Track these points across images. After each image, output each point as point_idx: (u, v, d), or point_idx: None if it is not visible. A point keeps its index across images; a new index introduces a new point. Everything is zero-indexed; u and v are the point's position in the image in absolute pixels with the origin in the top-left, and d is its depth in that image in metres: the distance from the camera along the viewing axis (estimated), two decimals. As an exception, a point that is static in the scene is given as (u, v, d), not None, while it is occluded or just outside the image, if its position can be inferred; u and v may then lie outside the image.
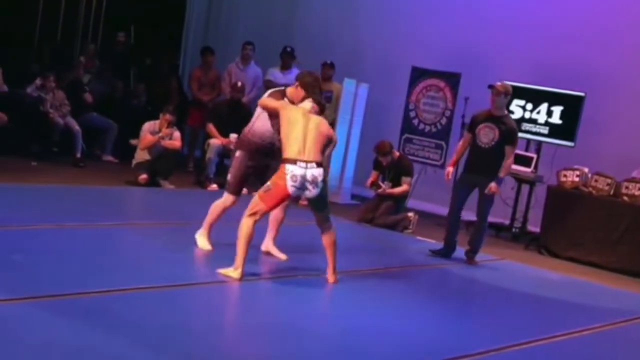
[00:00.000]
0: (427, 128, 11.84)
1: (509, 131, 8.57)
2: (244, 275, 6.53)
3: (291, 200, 7.02)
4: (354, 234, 9.37)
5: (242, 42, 13.02)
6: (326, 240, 6.82)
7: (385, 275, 7.67)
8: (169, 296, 5.96)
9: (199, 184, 11.48)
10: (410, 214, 10.29)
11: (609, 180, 9.81)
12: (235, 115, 11.55)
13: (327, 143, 6.82)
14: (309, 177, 6.51)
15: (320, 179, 6.57)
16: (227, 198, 7.47)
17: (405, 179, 10.36)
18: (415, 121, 11.92)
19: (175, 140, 10.99)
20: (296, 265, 7.33)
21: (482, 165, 8.56)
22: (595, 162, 10.18)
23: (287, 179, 6.50)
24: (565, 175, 10.09)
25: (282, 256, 7.52)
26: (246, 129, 7.44)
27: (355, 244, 8.77)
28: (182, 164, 12.22)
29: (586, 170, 10.01)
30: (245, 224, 6.62)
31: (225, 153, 11.52)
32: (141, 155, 10.90)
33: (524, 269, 9.05)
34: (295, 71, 12.61)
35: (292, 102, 7.04)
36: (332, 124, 12.04)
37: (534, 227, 10.66)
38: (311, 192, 6.57)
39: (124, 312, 5.39)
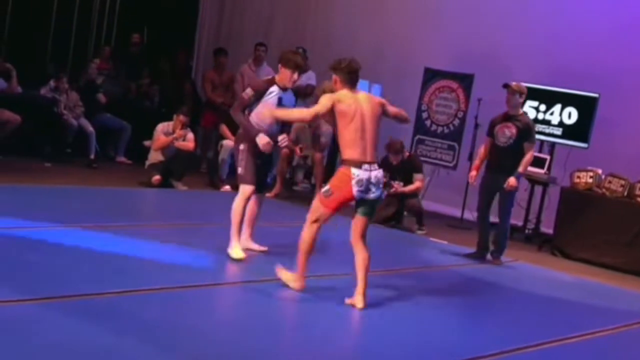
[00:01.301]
0: (440, 129, 11.83)
1: (525, 128, 8.69)
2: (304, 287, 6.37)
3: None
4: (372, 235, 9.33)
5: (255, 43, 13.04)
6: (361, 258, 6.31)
7: (398, 276, 7.66)
8: (182, 297, 5.97)
9: (212, 185, 11.50)
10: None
11: (622, 182, 9.78)
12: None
13: (382, 113, 6.41)
14: (373, 179, 6.23)
15: (382, 180, 6.36)
16: (244, 189, 7.36)
17: (417, 176, 10.36)
18: (428, 122, 11.91)
19: (188, 141, 11.01)
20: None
21: (501, 165, 8.68)
22: (609, 163, 10.15)
23: (353, 184, 6.17)
24: (578, 177, 10.06)
25: (263, 248, 7.55)
26: (252, 115, 7.37)
27: (372, 245, 8.75)
28: (195, 165, 12.23)
29: (600, 171, 9.99)
30: (309, 232, 6.32)
31: (238, 154, 11.53)
32: (154, 157, 10.92)
33: (537, 271, 9.04)
34: (308, 72, 12.64)
35: (284, 86, 7.16)
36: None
37: (547, 229, 10.64)
38: (374, 193, 6.27)
39: (137, 312, 5.41)
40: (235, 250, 7.25)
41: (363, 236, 6.36)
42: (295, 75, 7.27)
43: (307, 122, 6.46)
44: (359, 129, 6.27)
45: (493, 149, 8.83)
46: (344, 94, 6.37)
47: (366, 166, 6.23)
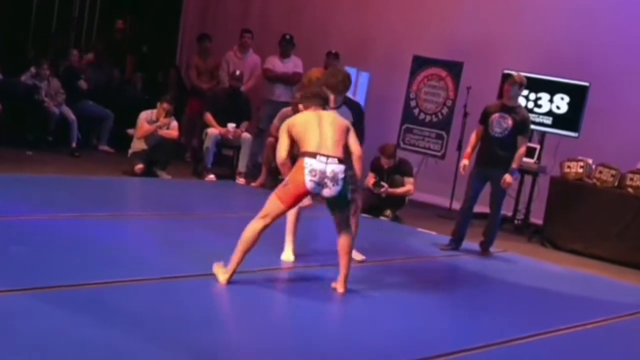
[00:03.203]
0: (428, 118, 11.81)
1: (522, 121, 8.67)
2: (230, 283, 6.15)
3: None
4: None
5: (240, 29, 12.98)
6: (342, 244, 6.31)
7: (386, 267, 7.65)
8: (168, 288, 5.95)
9: (196, 174, 11.48)
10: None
11: (613, 172, 9.78)
12: (234, 104, 11.58)
13: (346, 139, 6.34)
14: (328, 172, 6.10)
15: (341, 175, 6.14)
16: None
17: (408, 179, 10.28)
18: (416, 111, 11.89)
19: (172, 129, 10.96)
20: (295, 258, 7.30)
21: (494, 156, 8.63)
22: (599, 153, 10.14)
23: (306, 173, 6.07)
24: (568, 166, 10.06)
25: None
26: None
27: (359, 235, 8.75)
28: (180, 154, 12.21)
29: (590, 161, 9.99)
30: (252, 228, 6.17)
31: (223, 143, 11.52)
32: (138, 145, 10.87)
33: (527, 262, 9.04)
34: (294, 59, 12.62)
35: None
36: (332, 114, 12.03)
37: (536, 219, 10.63)
38: (330, 189, 6.13)
39: (122, 304, 5.38)
40: (286, 253, 7.22)
41: (340, 225, 6.32)
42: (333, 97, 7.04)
43: (280, 161, 6.35)
44: (315, 131, 6.24)
45: (486, 139, 8.76)
46: (300, 115, 6.48)
47: (322, 158, 6.12)
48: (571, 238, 9.85)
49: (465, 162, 8.92)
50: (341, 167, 6.17)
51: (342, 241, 6.32)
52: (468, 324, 6.33)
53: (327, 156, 6.13)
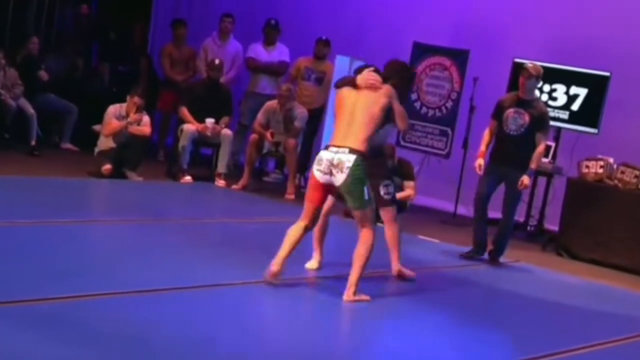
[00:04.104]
0: (431, 112, 11.80)
1: (540, 116, 8.70)
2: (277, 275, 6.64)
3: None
4: (346, 231, 9.30)
5: (220, 14, 12.96)
6: (357, 247, 6.71)
7: (384, 278, 7.63)
8: (140, 302, 5.92)
9: (170, 176, 11.44)
10: None
11: (637, 172, 9.78)
12: (212, 97, 11.54)
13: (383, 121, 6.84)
14: (335, 161, 6.54)
15: (347, 164, 6.50)
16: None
17: (408, 184, 10.24)
18: (417, 104, 11.88)
19: (144, 125, 10.93)
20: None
21: (510, 155, 8.69)
22: (621, 151, 10.14)
23: (315, 163, 6.67)
24: (587, 166, 10.06)
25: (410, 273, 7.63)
26: None
27: (348, 243, 8.73)
28: (152, 153, 12.20)
29: (611, 160, 9.98)
30: (294, 227, 6.78)
31: (200, 140, 11.49)
32: (105, 143, 10.83)
33: (541, 273, 9.03)
34: (279, 47, 12.60)
35: None
36: (322, 108, 12.06)
37: (551, 225, 10.64)
38: (336, 177, 6.54)
39: (88, 320, 5.34)
40: (311, 262, 7.42)
41: (358, 222, 6.71)
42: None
43: None
44: (346, 116, 6.73)
45: (500, 136, 8.84)
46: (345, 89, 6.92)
47: (333, 148, 6.60)
48: (590, 246, 9.84)
49: (480, 161, 8.94)
50: (350, 157, 6.52)
51: (359, 243, 6.71)
52: (478, 343, 6.31)
53: (339, 146, 6.60)
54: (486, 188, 8.86)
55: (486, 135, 9.03)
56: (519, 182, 8.61)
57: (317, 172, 6.62)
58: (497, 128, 8.86)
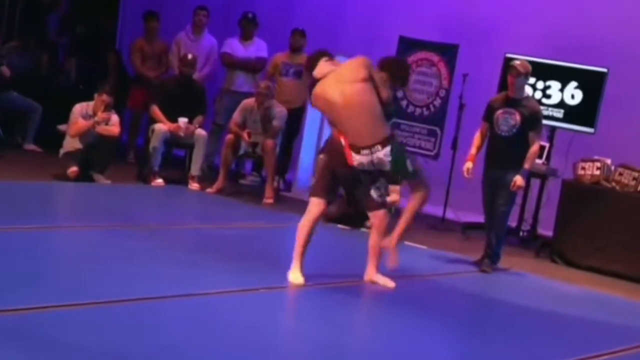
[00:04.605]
0: (418, 111, 11.80)
1: (531, 115, 8.78)
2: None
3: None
4: (329, 237, 9.31)
5: (194, 7, 12.93)
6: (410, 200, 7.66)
7: (369, 287, 7.61)
8: (106, 314, 5.89)
9: (141, 179, 11.41)
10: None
11: (635, 174, 9.79)
12: (185, 94, 11.51)
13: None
14: (375, 160, 7.16)
15: (386, 158, 7.16)
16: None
17: (393, 187, 10.19)
18: (404, 102, 11.87)
19: (112, 125, 10.89)
20: (258, 277, 7.28)
21: (503, 157, 8.78)
22: (619, 151, 10.16)
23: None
24: (583, 168, 10.07)
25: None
26: None
27: (331, 249, 8.74)
28: (121, 154, 12.18)
29: (609, 161, 10.00)
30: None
31: (173, 141, 11.45)
32: (71, 144, 10.79)
33: (535, 281, 9.05)
34: (257, 42, 12.58)
35: None
36: (303, 107, 12.04)
37: (545, 230, 10.64)
38: (383, 170, 7.21)
39: (52, 333, 5.30)
40: (293, 274, 7.30)
41: (417, 191, 7.62)
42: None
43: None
44: (345, 112, 7.26)
45: (492, 138, 8.94)
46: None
47: (365, 150, 7.14)
48: (586, 252, 9.85)
49: (469, 165, 9.03)
50: (384, 150, 7.15)
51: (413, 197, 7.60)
52: (469, 356, 6.32)
53: (369, 147, 7.19)
54: (491, 199, 8.95)
55: (477, 137, 9.11)
56: (512, 183, 8.66)
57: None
58: (489, 130, 8.93)
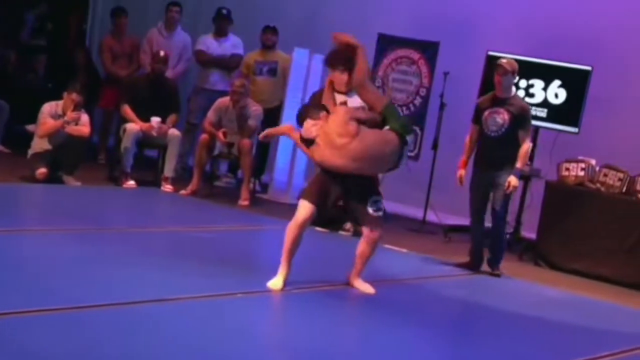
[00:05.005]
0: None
1: (520, 113, 8.87)
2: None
3: None
4: (307, 240, 9.28)
5: (166, 3, 12.90)
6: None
7: (347, 292, 7.61)
8: (76, 320, 5.85)
9: (112, 180, 11.39)
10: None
11: (620, 175, 9.83)
12: (157, 93, 11.48)
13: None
14: None
15: None
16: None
17: None
18: (383, 102, 11.86)
19: (82, 125, 10.84)
20: (235, 282, 7.27)
21: (493, 158, 8.86)
22: (604, 152, 10.21)
23: None
24: (567, 169, 10.10)
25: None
26: None
27: (312, 253, 8.71)
28: (92, 155, 12.15)
29: (593, 162, 10.03)
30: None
31: (145, 141, 11.41)
32: (39, 144, 10.75)
33: (518, 284, 9.06)
34: (232, 39, 12.55)
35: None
36: (280, 106, 12.02)
37: (529, 233, 10.66)
38: None
39: (18, 338, 5.26)
40: (274, 280, 7.25)
41: None
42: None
43: None
44: None
45: (482, 140, 8.99)
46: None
47: None
48: (571, 255, 9.88)
49: (461, 172, 9.11)
50: None
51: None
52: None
53: None
54: (479, 199, 9.02)
55: (467, 142, 9.19)
56: (506, 184, 8.72)
57: None
58: (478, 132, 9.01)
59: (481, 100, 9.20)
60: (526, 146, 8.86)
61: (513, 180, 8.73)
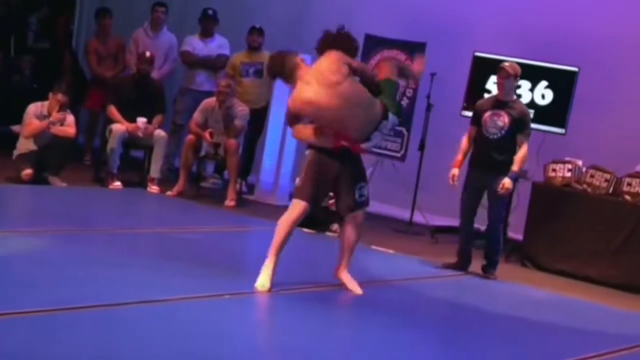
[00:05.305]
0: (384, 111, 11.79)
1: (520, 117, 8.89)
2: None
3: None
4: (293, 241, 9.29)
5: (152, 3, 12.88)
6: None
7: (333, 293, 7.61)
8: (64, 321, 5.83)
9: (98, 181, 11.37)
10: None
11: (607, 176, 9.85)
12: (143, 93, 11.48)
13: None
14: None
15: None
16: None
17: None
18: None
19: (68, 126, 10.83)
20: (222, 283, 7.26)
21: (490, 159, 8.86)
22: (591, 153, 10.23)
23: None
24: (554, 170, 10.12)
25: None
26: None
27: (299, 254, 8.71)
28: (77, 156, 12.11)
29: (580, 163, 10.05)
30: None
31: (131, 142, 11.39)
32: (25, 145, 10.73)
33: (504, 286, 9.05)
34: (218, 39, 12.55)
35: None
36: (266, 107, 12.02)
37: (515, 234, 10.67)
38: None
39: (5, 342, 5.24)
40: (260, 278, 7.21)
41: None
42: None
43: None
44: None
45: (480, 141, 8.99)
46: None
47: None
48: (557, 256, 9.89)
49: (454, 171, 9.08)
50: None
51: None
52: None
53: None
54: (470, 201, 9.05)
55: (464, 143, 9.18)
56: (500, 186, 8.73)
57: None
58: (476, 133, 9.02)
59: (481, 102, 9.23)
60: (524, 150, 8.83)
61: (507, 182, 8.72)
